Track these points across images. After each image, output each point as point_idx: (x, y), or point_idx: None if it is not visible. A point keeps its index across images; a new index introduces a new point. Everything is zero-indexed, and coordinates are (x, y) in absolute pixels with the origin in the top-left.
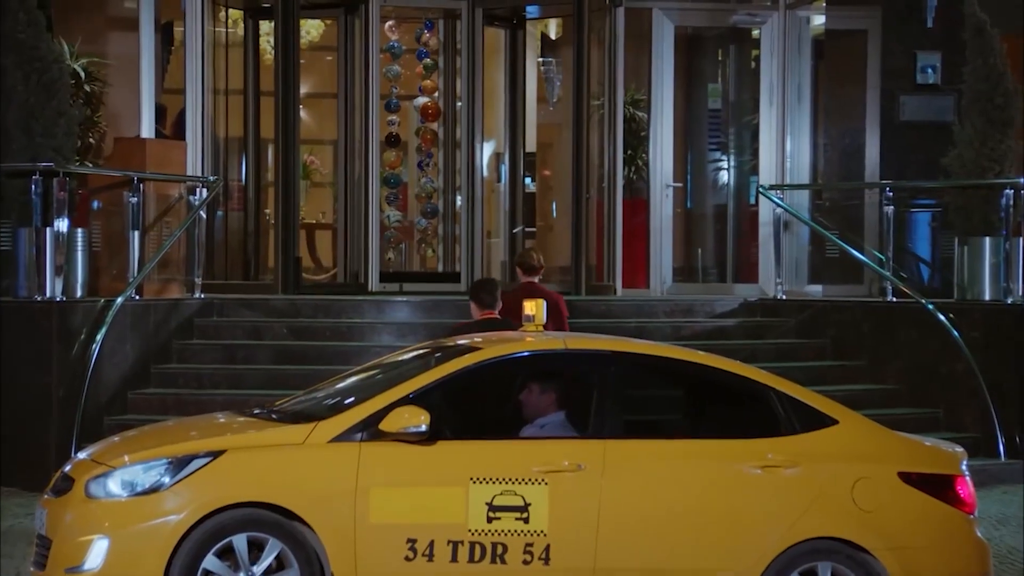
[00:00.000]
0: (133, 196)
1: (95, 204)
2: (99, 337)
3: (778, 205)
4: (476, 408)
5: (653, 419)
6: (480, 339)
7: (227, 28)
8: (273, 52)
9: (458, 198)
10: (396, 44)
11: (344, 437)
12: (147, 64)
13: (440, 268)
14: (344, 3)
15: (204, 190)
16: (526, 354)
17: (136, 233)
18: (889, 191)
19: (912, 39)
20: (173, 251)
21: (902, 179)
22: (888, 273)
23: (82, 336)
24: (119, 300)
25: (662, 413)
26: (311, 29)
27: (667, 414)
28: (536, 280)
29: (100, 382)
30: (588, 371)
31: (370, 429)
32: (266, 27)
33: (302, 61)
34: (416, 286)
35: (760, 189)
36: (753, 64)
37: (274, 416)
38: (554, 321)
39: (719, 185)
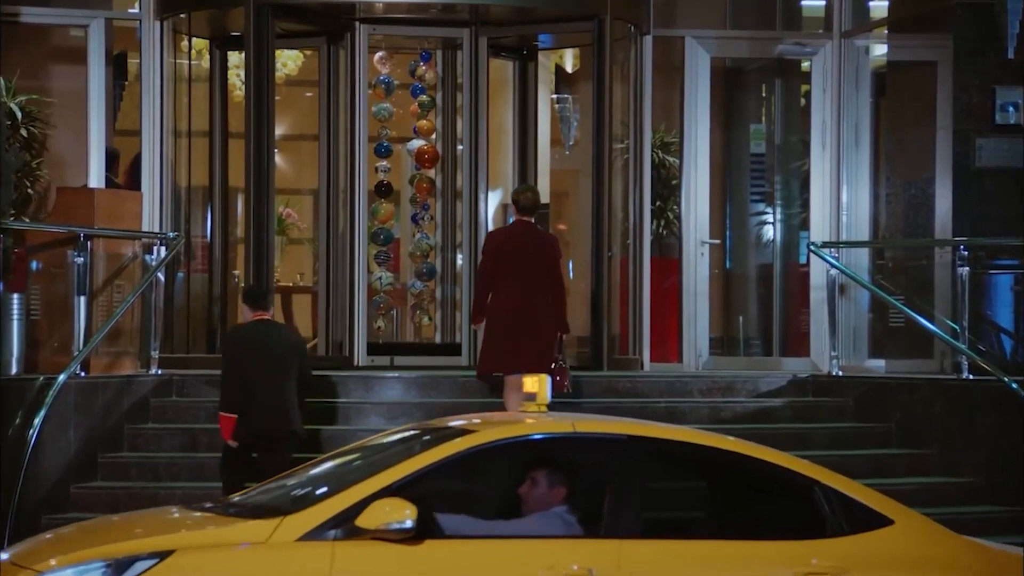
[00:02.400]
0: (79, 255)
1: (34, 265)
2: (37, 421)
3: (832, 265)
4: (470, 501)
5: (676, 516)
6: (477, 420)
7: (190, 60)
8: (244, 88)
9: (459, 257)
10: (387, 78)
11: (315, 535)
12: (96, 102)
13: (438, 339)
14: (326, 31)
15: (163, 248)
16: (528, 438)
17: (82, 299)
18: (964, 249)
19: (989, 73)
20: (126, 319)
21: (979, 235)
22: (963, 346)
23: (17, 420)
24: (61, 378)
25: (687, 509)
26: (288, 61)
27: (693, 510)
28: (531, 220)
29: (38, 474)
30: (600, 459)
31: (345, 525)
32: (236, 59)
33: (277, 98)
34: (410, 359)
35: (811, 247)
36: (803, 101)
37: (233, 510)
38: (547, 265)
39: (763, 242)
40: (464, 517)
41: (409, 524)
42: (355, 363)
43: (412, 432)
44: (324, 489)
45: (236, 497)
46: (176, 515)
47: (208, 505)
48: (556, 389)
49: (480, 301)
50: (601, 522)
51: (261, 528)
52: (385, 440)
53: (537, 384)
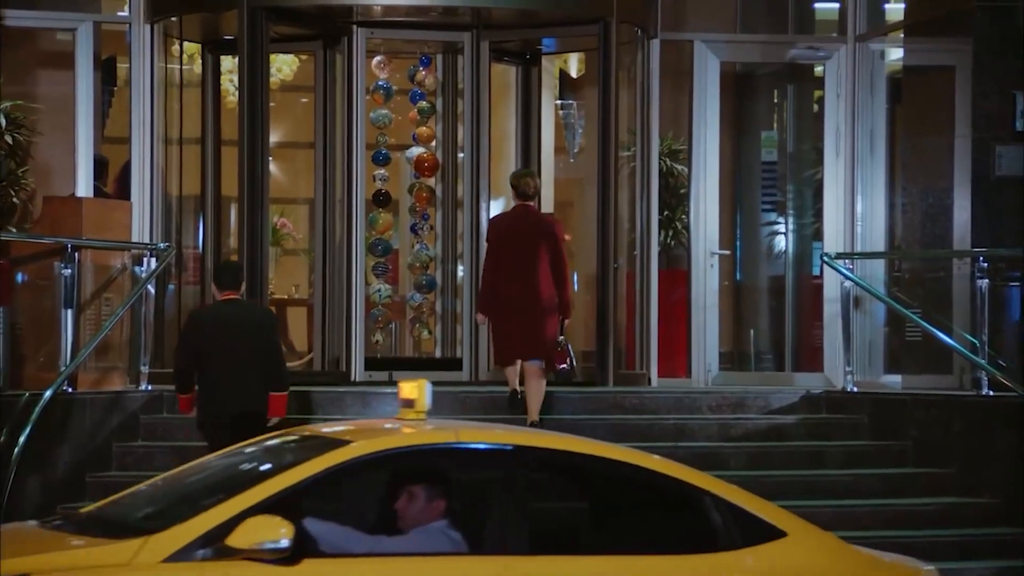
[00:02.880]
0: (66, 267)
1: (19, 277)
2: (22, 440)
3: (847, 277)
4: (350, 517)
5: (565, 531)
6: (353, 428)
7: (181, 65)
8: (237, 93)
9: (459, 268)
10: (385, 84)
11: (182, 555)
12: (84, 108)
13: (438, 353)
14: (322, 35)
15: (153, 259)
16: (409, 449)
17: (69, 312)
18: (983, 261)
19: (1010, 78)
20: (114, 333)
21: (999, 246)
22: (983, 361)
23: (1, 438)
24: (47, 394)
25: (576, 523)
26: (283, 66)
27: (582, 524)
28: (531, 204)
29: (23, 494)
30: (485, 471)
31: (215, 545)
32: (228, 63)
33: (272, 104)
34: (408, 375)
35: (825, 258)
36: (816, 107)
37: (93, 527)
38: (549, 250)
39: (775, 253)
40: (343, 534)
41: (285, 543)
42: (352, 378)
43: (283, 441)
44: (192, 505)
45: (94, 509)
46: (30, 533)
47: (62, 522)
48: (557, 368)
49: (486, 293)
50: (486, 538)
51: (123, 549)
52: (253, 450)
53: (416, 390)
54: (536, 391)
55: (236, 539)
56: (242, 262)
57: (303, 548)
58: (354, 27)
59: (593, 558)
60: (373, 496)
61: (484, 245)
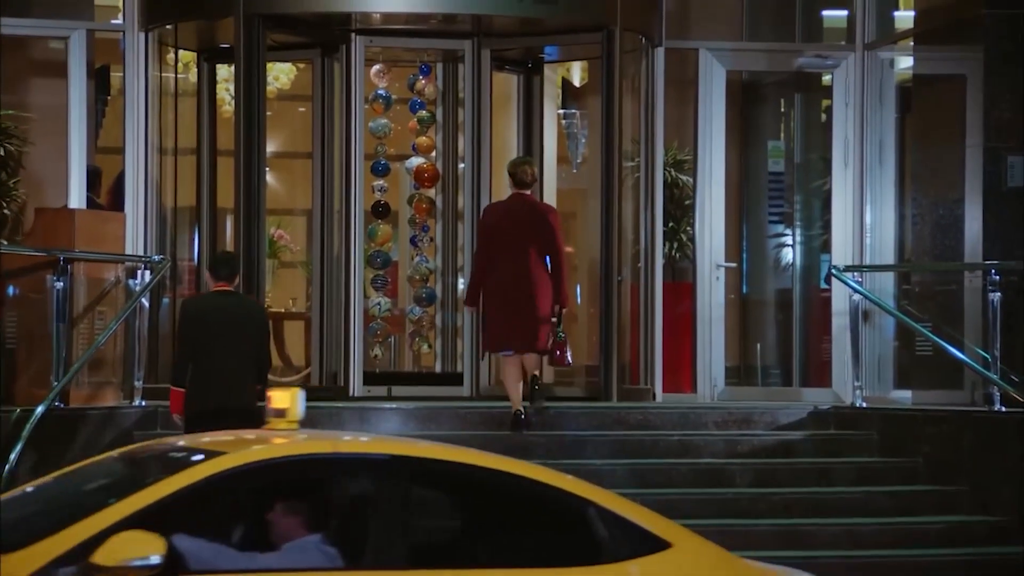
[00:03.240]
0: (58, 280)
1: (10, 290)
2: (13, 456)
3: (855, 290)
4: (224, 531)
5: (444, 543)
6: (225, 438)
7: (176, 73)
8: (233, 103)
9: (460, 281)
10: (385, 93)
11: (43, 575)
12: (77, 118)
13: (438, 368)
14: (320, 43)
15: (147, 272)
16: (285, 460)
17: (62, 326)
18: (995, 273)
19: (1021, 87)
20: (108, 348)
21: (1011, 258)
22: (995, 376)
23: None
24: (39, 410)
25: (456, 535)
26: (280, 74)
27: (462, 536)
28: (527, 193)
29: None
30: (362, 481)
31: (80, 563)
32: (225, 72)
33: (269, 113)
34: (408, 390)
35: (833, 270)
36: (824, 117)
37: None
38: (545, 239)
39: (782, 265)
40: (217, 550)
41: (156, 560)
42: (350, 394)
43: (154, 451)
44: (54, 519)
45: None
46: None
47: None
48: (557, 363)
49: (476, 283)
50: (364, 552)
51: None
52: (122, 459)
53: (288, 399)
54: (532, 365)
55: (102, 557)
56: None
57: (175, 565)
58: (353, 35)
59: (474, 571)
60: (248, 509)
61: None
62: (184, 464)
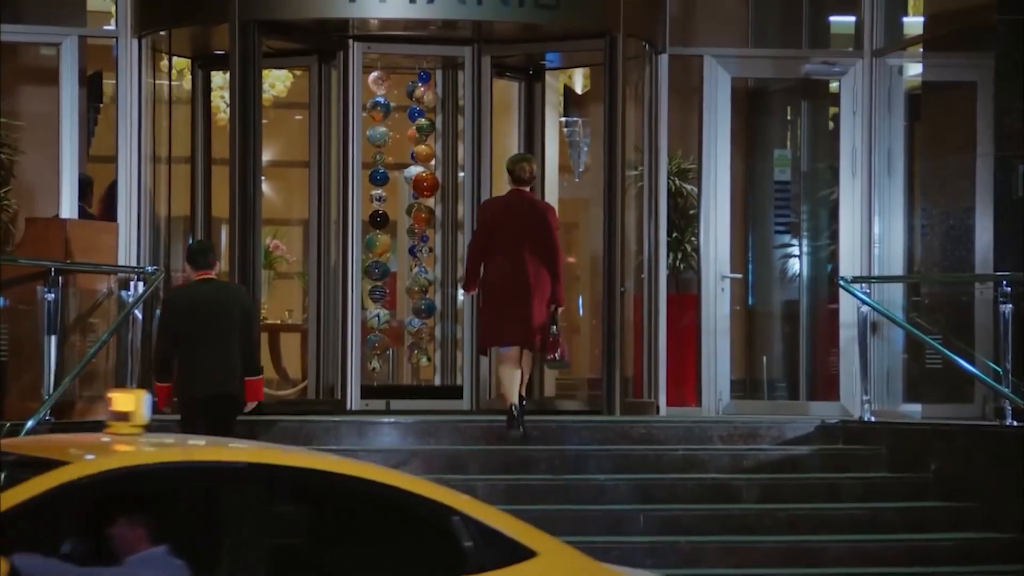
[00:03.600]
0: (49, 291)
1: (1, 302)
2: (2, 473)
3: (864, 302)
4: (69, 547)
5: (302, 554)
6: (69, 446)
7: (170, 80)
8: (228, 111)
9: (460, 293)
10: (383, 100)
11: None
12: (69, 126)
13: (437, 381)
14: (317, 50)
15: (140, 283)
16: (135, 469)
17: (53, 338)
18: (1006, 285)
19: None
20: (100, 361)
21: (1022, 269)
22: (1007, 389)
23: None
24: (30, 424)
25: (315, 546)
26: (276, 82)
27: (322, 547)
28: (526, 189)
29: None
30: (215, 491)
31: None
32: (220, 79)
33: (265, 121)
34: (407, 403)
35: (841, 282)
36: (831, 125)
37: None
38: (542, 236)
39: (789, 276)
40: (61, 568)
41: None
42: (347, 407)
43: None
44: None
45: None
46: None
47: None
48: (552, 355)
49: (472, 271)
50: (216, 565)
51: None
52: None
53: (132, 402)
54: (524, 370)
55: None
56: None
57: None
58: (350, 41)
59: None
60: (94, 523)
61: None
62: (25, 475)
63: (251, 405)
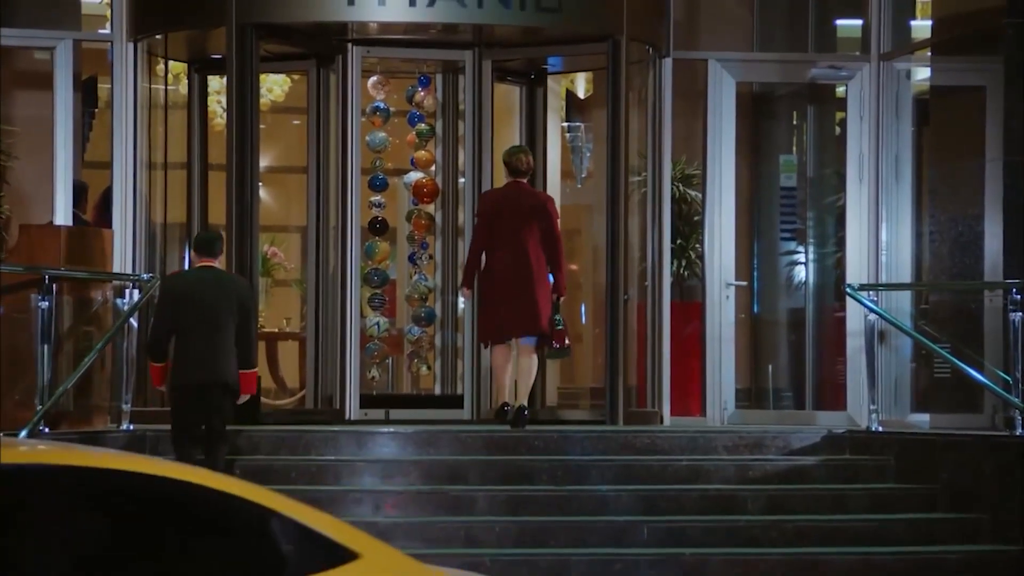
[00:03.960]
0: (43, 299)
1: None
2: None
3: (871, 310)
4: None
5: (108, 561)
6: None
7: (166, 85)
8: (225, 116)
9: (460, 300)
10: (382, 105)
11: None
12: (63, 131)
13: (437, 390)
14: (316, 54)
15: (136, 291)
16: None
17: (47, 347)
18: (1016, 292)
19: None
20: (94, 370)
21: None
22: (1017, 399)
23: None
24: (22, 434)
25: (124, 551)
26: (274, 86)
27: (129, 553)
28: (523, 181)
29: None
30: (15, 496)
31: None
32: (216, 84)
33: (262, 126)
34: (406, 413)
35: (848, 289)
36: (838, 130)
37: None
38: (541, 228)
39: (794, 284)
40: None
41: None
42: (346, 417)
43: None
44: None
45: None
46: None
47: None
48: (552, 347)
49: (471, 268)
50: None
51: None
52: None
53: None
54: (527, 372)
55: None
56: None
57: None
58: (349, 45)
59: None
60: None
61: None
62: None
63: (244, 398)
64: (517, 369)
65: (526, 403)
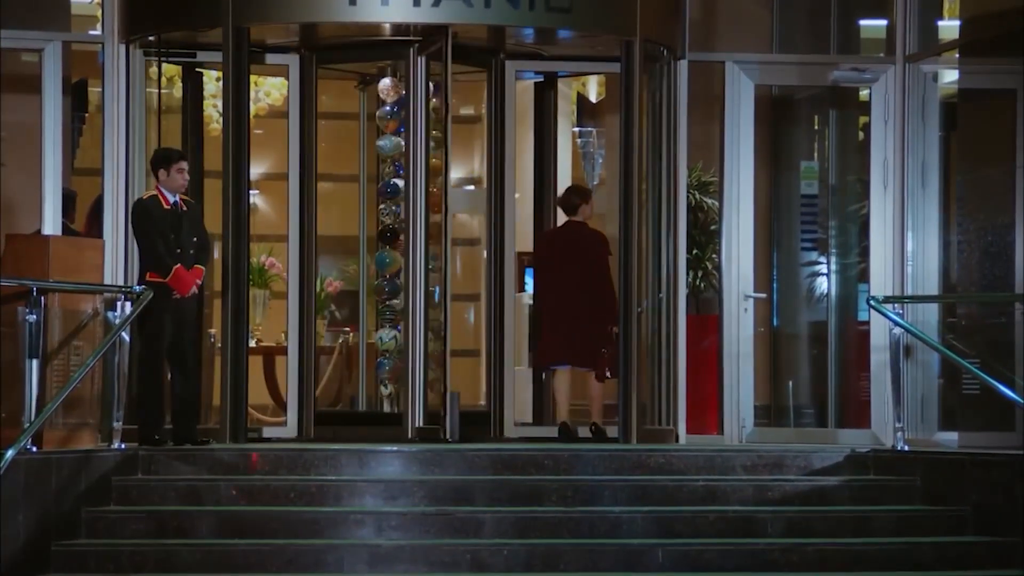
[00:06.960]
0: (31, 312)
1: None
2: None
3: (896, 323)
4: None
5: None
6: None
7: (160, 88)
8: (221, 120)
9: (471, 311)
10: (391, 109)
11: None
12: (52, 136)
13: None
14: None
15: (128, 304)
16: None
17: (35, 362)
18: None
19: None
20: (85, 386)
21: None
22: None
23: None
24: (9, 453)
25: None
26: (272, 89)
27: None
28: (578, 219)
29: None
30: None
31: None
32: (212, 88)
33: (259, 132)
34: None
35: (872, 302)
36: (861, 135)
37: None
38: (596, 262)
39: (816, 296)
40: None
41: None
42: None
43: None
44: None
45: None
46: None
47: None
48: (599, 377)
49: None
50: None
51: None
52: None
53: None
54: (597, 395)
55: None
56: (225, 305)
57: None
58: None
59: None
60: None
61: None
62: None
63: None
64: (588, 391)
65: (601, 422)
